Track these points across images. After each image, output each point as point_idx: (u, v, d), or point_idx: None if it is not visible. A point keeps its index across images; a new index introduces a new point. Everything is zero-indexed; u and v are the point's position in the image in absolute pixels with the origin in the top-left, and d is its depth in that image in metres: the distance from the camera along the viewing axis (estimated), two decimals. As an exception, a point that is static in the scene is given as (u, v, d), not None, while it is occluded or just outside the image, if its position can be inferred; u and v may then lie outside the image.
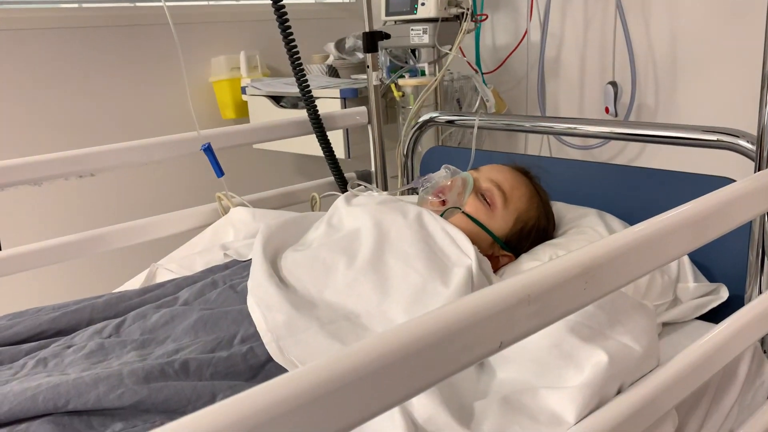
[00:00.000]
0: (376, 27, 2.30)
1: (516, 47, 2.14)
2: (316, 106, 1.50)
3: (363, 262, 0.98)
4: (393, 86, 2.02)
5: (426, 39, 1.93)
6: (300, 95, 2.03)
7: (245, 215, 1.32)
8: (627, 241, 0.60)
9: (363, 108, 1.66)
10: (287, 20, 1.43)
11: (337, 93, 1.98)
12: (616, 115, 1.98)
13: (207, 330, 0.92)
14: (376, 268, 0.97)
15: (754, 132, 1.17)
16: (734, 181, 1.16)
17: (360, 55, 2.27)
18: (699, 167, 1.30)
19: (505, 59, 2.18)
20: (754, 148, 1.13)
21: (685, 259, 1.15)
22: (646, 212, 1.25)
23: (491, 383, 0.78)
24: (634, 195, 1.27)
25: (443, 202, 1.13)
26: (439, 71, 2.01)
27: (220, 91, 2.29)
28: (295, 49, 1.44)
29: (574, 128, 1.35)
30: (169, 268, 1.24)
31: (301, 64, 1.45)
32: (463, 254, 0.99)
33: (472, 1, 1.94)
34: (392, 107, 2.07)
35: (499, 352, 0.49)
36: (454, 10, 1.93)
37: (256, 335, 0.89)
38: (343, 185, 1.58)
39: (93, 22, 2.00)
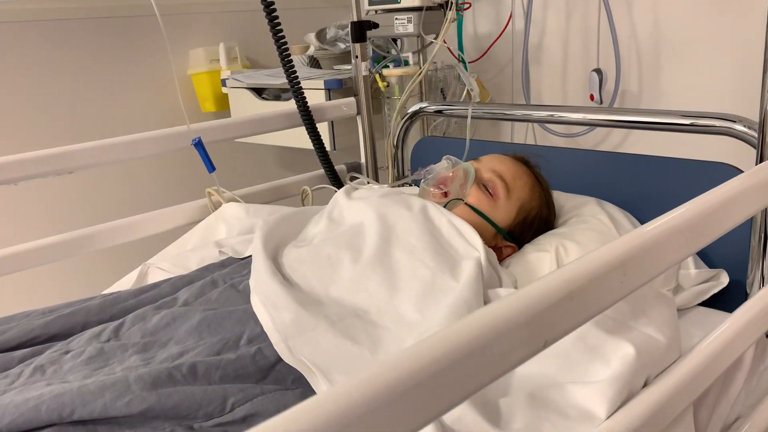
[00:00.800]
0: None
1: (500, 35, 2.13)
2: (305, 98, 1.47)
3: (369, 256, 0.96)
4: (377, 77, 2.00)
5: (411, 28, 1.91)
6: (284, 87, 2.02)
7: (239, 211, 1.29)
8: (663, 230, 0.59)
9: (351, 99, 1.63)
10: (274, 9, 1.39)
11: (321, 84, 1.95)
12: (601, 102, 1.98)
13: (211, 331, 0.89)
14: (383, 262, 0.95)
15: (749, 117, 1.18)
16: (734, 167, 1.17)
17: (342, 45, 2.24)
18: (685, 152, 1.30)
19: (489, 47, 2.17)
20: (752, 132, 1.13)
21: (686, 245, 1.15)
22: (645, 199, 1.25)
23: (512, 379, 0.76)
24: (631, 182, 1.26)
25: (445, 194, 1.11)
26: (423, 61, 2.00)
27: (199, 84, 2.24)
28: (282, 40, 1.41)
29: (569, 117, 1.34)
30: (161, 267, 1.20)
31: (289, 55, 1.42)
32: (471, 247, 0.97)
33: (457, -11, 1.91)
34: (377, 98, 2.05)
35: (542, 351, 0.47)
36: (438, -1, 1.91)
37: (262, 335, 0.87)
38: (333, 178, 1.55)
39: (66, 15, 1.93)
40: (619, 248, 0.54)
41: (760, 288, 1.06)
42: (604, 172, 1.29)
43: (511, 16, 2.10)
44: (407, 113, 1.60)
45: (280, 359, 0.83)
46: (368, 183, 1.33)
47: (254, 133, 1.44)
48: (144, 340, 0.90)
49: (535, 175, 1.16)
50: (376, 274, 0.93)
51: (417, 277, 0.92)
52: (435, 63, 2.16)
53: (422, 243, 0.96)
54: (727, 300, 1.15)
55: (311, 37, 2.32)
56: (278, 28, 1.40)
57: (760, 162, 1.03)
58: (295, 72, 1.44)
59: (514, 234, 1.11)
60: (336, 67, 2.25)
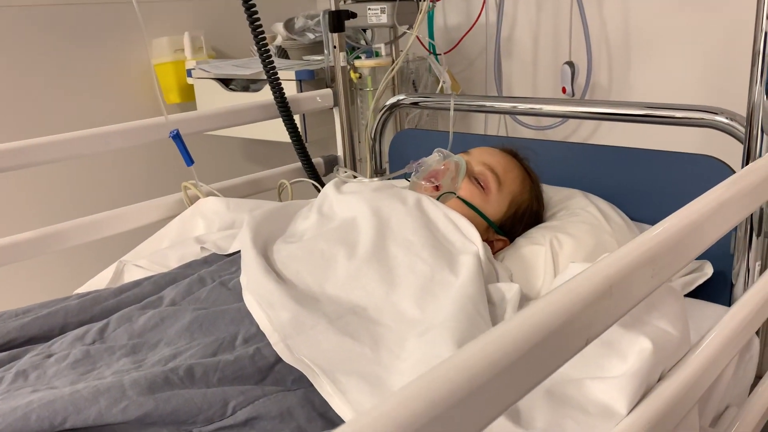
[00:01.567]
0: (325, 2, 2.23)
1: (472, 26, 2.12)
2: (282, 89, 1.44)
3: (364, 252, 0.93)
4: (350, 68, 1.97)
5: (384, 19, 1.88)
6: (253, 78, 1.98)
7: (218, 205, 1.25)
8: (689, 222, 0.58)
9: (328, 90, 1.60)
10: (251, -2, 1.35)
11: (292, 75, 1.91)
12: (573, 95, 1.99)
13: (203, 331, 0.85)
14: (379, 258, 0.93)
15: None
16: (718, 159, 1.18)
17: (311, 36, 2.20)
18: (656, 143, 1.31)
19: (461, 39, 2.16)
20: (734, 124, 1.14)
21: (671, 237, 1.16)
22: (630, 191, 1.26)
23: None
24: (616, 175, 1.27)
25: (437, 188, 1.10)
26: (395, 52, 1.97)
27: (163, 75, 2.17)
28: (260, 29, 1.37)
29: (554, 109, 1.34)
30: (139, 265, 1.16)
31: (266, 45, 1.38)
32: (468, 241, 0.96)
33: (429, -20, 1.89)
34: (349, 89, 2.02)
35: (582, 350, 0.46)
36: (412, -11, 1.89)
37: (258, 335, 0.84)
38: (311, 171, 1.52)
39: (20, 1, 1.84)
40: (651, 242, 0.53)
41: (746, 279, 1.08)
42: (589, 164, 1.30)
43: (483, 7, 2.09)
44: (385, 106, 1.58)
45: (279, 359, 0.80)
46: (356, 177, 1.30)
47: (231, 125, 1.40)
48: (132, 341, 0.86)
49: (525, 168, 1.16)
50: (373, 270, 0.91)
51: (415, 273, 0.90)
52: (406, 54, 2.15)
53: (419, 238, 0.94)
54: (710, 291, 1.16)
55: (279, 27, 2.27)
56: (255, 17, 1.35)
57: (747, 154, 1.04)
58: (272, 63, 1.40)
59: (505, 227, 1.11)
60: (305, 57, 2.21)
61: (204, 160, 2.04)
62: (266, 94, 1.95)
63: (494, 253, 1.10)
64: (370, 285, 0.90)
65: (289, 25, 2.23)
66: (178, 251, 1.16)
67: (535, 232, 1.09)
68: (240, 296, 0.91)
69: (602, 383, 0.67)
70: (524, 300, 0.91)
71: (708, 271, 1.14)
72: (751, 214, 1.08)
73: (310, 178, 1.53)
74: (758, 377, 1.09)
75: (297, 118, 1.87)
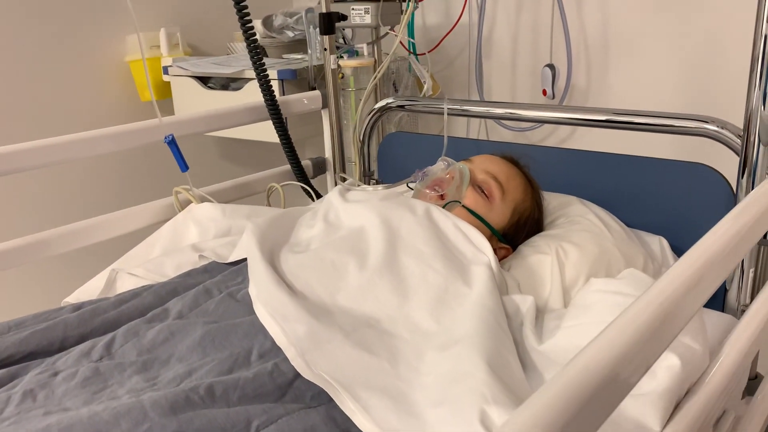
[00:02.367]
0: (308, 5, 2.21)
1: (453, 27, 2.12)
2: (273, 91, 1.41)
3: (376, 262, 0.93)
4: (332, 68, 1.95)
5: (368, 19, 1.86)
6: (234, 76, 1.94)
7: (213, 212, 1.22)
8: (723, 242, 0.59)
9: (317, 92, 1.58)
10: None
11: (274, 74, 1.88)
12: (554, 98, 2.01)
13: (216, 346, 0.84)
14: (391, 268, 0.92)
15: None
16: (711, 168, 1.20)
17: (290, 34, 2.17)
18: (635, 147, 1.33)
19: (442, 39, 2.16)
20: (726, 132, 1.16)
21: (665, 242, 1.18)
22: (622, 198, 1.27)
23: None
24: (608, 181, 1.28)
25: (442, 196, 1.09)
26: (377, 52, 1.96)
27: (137, 72, 2.11)
28: (251, 30, 1.34)
29: (546, 116, 1.34)
30: (134, 273, 1.13)
31: (257, 44, 1.36)
32: (479, 251, 0.96)
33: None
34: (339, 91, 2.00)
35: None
36: (395, -10, 1.88)
37: (274, 349, 0.82)
38: (300, 175, 1.51)
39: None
40: (694, 266, 0.54)
41: (740, 284, 1.10)
42: (581, 170, 1.31)
43: (464, 7, 2.09)
44: (374, 109, 1.57)
45: (297, 375, 0.79)
46: (359, 185, 1.29)
47: (225, 127, 1.37)
48: (141, 357, 0.84)
49: (526, 176, 1.16)
50: (385, 281, 0.90)
51: (428, 284, 0.90)
52: (387, 55, 2.14)
53: (430, 248, 0.94)
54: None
55: (257, 24, 2.23)
56: (245, 11, 1.32)
57: (744, 162, 1.07)
58: (263, 63, 1.38)
59: (507, 236, 1.11)
60: (285, 56, 2.18)
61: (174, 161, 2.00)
62: (248, 94, 1.93)
63: (499, 261, 1.10)
64: (383, 296, 0.89)
65: (267, 22, 2.19)
66: (174, 259, 1.13)
67: (539, 241, 1.09)
68: (250, 308, 0.89)
69: (633, 400, 0.67)
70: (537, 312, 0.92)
71: None
72: (745, 222, 1.11)
73: (299, 181, 1.51)
74: (750, 379, 1.12)
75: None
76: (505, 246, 1.11)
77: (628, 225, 1.23)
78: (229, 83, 2.04)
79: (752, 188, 1.06)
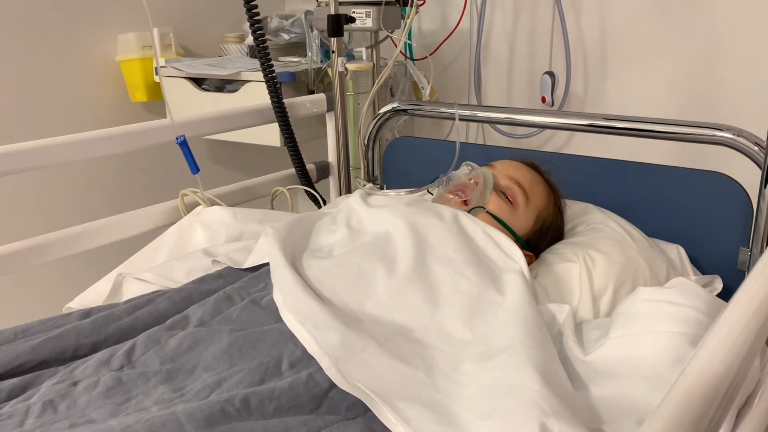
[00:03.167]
0: (294, 2, 2.18)
1: (451, 33, 2.11)
2: (281, 93, 1.38)
3: (405, 269, 0.90)
4: (330, 71, 1.93)
5: (369, 23, 1.85)
6: (229, 78, 1.90)
7: (225, 215, 1.19)
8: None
9: (322, 95, 1.55)
10: (252, -2, 1.29)
11: (273, 77, 1.84)
12: (552, 105, 2.01)
13: (244, 355, 0.80)
14: (421, 276, 0.89)
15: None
16: (728, 176, 1.20)
17: (286, 36, 2.14)
18: (631, 153, 1.33)
19: (440, 45, 2.14)
20: (742, 140, 1.16)
21: (683, 251, 1.18)
22: (636, 206, 1.26)
23: (586, 400, 0.74)
24: (623, 189, 1.28)
25: (465, 202, 1.07)
26: (376, 56, 1.94)
27: (128, 72, 2.07)
28: (260, 31, 1.31)
29: (558, 122, 1.33)
30: (143, 278, 1.09)
31: (267, 47, 1.33)
32: (509, 258, 0.94)
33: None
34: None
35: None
36: (397, -6, 1.86)
37: (305, 358, 0.79)
38: (305, 178, 1.47)
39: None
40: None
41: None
42: (595, 177, 1.30)
43: (463, 14, 2.08)
44: (380, 113, 1.54)
45: (332, 385, 0.76)
46: (380, 188, 1.26)
47: (233, 129, 1.33)
48: (165, 366, 0.80)
49: (549, 183, 1.15)
50: (415, 288, 0.88)
51: (460, 292, 0.87)
52: (384, 59, 2.12)
53: (461, 255, 0.92)
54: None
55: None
56: (256, 18, 1.30)
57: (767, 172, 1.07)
58: (272, 66, 1.35)
59: (530, 242, 1.09)
60: (280, 58, 2.15)
61: (178, 163, 1.96)
62: (245, 96, 1.90)
63: (525, 268, 1.08)
64: (413, 304, 0.87)
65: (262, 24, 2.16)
66: (185, 264, 1.09)
67: (565, 249, 1.08)
68: (276, 315, 0.86)
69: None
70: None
71: (718, 285, 1.16)
72: (765, 232, 1.11)
73: (303, 184, 1.48)
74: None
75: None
76: (528, 253, 1.09)
77: (646, 233, 1.22)
78: (224, 85, 2.00)
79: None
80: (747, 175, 1.19)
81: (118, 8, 2.02)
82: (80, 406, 0.74)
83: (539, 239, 1.11)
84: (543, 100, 2.02)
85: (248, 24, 2.07)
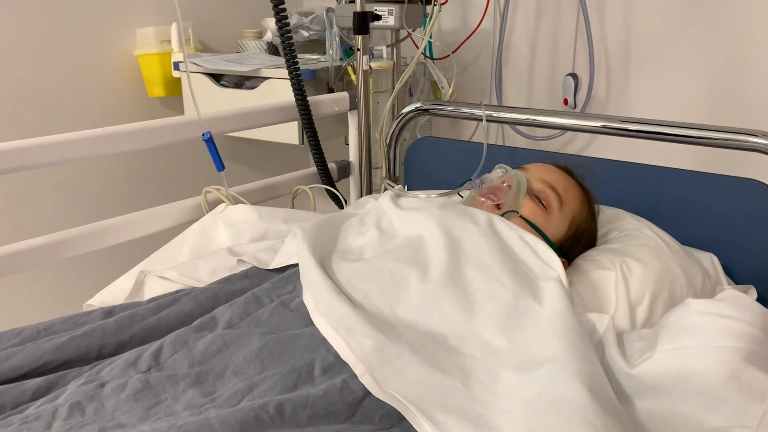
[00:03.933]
0: (328, 4, 2.15)
1: (473, 32, 2.09)
2: (305, 91, 1.36)
3: (439, 274, 0.88)
4: (350, 69, 1.91)
5: (391, 21, 1.83)
6: (249, 75, 1.88)
7: (250, 214, 1.17)
8: None
9: (345, 94, 1.53)
10: (279, -6, 1.27)
11: (291, 74, 1.82)
12: (575, 107, 1.99)
13: (275, 359, 0.78)
14: (456, 281, 0.87)
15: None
16: (762, 183, 1.17)
17: (305, 34, 2.12)
18: (653, 157, 1.31)
19: (462, 44, 2.12)
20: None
21: (716, 260, 1.15)
22: (667, 212, 1.24)
23: (631, 415, 0.71)
24: (654, 194, 1.25)
25: (498, 206, 1.05)
26: (396, 55, 1.92)
27: (147, 66, 2.05)
28: (287, 27, 1.29)
29: (585, 125, 1.30)
30: (166, 277, 1.07)
31: (293, 44, 1.30)
32: (547, 266, 0.91)
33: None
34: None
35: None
36: (419, -8, 1.84)
37: (337, 364, 0.77)
38: (326, 178, 1.45)
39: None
40: None
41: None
42: (625, 182, 1.27)
43: (485, 13, 2.06)
44: (403, 113, 1.52)
45: (367, 393, 0.74)
46: (405, 188, 1.24)
47: (257, 126, 1.31)
48: (194, 369, 0.78)
49: (582, 187, 1.12)
50: (449, 294, 0.85)
51: (496, 299, 0.85)
52: (404, 58, 2.10)
53: (496, 261, 0.89)
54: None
55: (270, 22, 2.18)
56: (283, 14, 1.27)
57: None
58: (297, 64, 1.33)
59: (564, 248, 1.07)
60: (300, 56, 2.13)
61: (199, 161, 1.94)
62: (264, 93, 1.88)
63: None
64: (447, 310, 0.84)
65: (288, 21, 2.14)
66: (210, 263, 1.07)
67: (600, 256, 1.05)
68: (307, 318, 0.84)
69: None
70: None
71: (752, 296, 1.13)
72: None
73: (324, 183, 1.46)
74: None
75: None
76: (561, 259, 1.06)
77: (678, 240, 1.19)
78: (242, 81, 1.98)
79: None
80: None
81: (139, 2, 2.01)
82: (108, 409, 0.72)
83: (573, 245, 1.08)
84: (565, 102, 1.99)
85: (274, 21, 2.08)
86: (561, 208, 1.06)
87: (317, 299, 0.84)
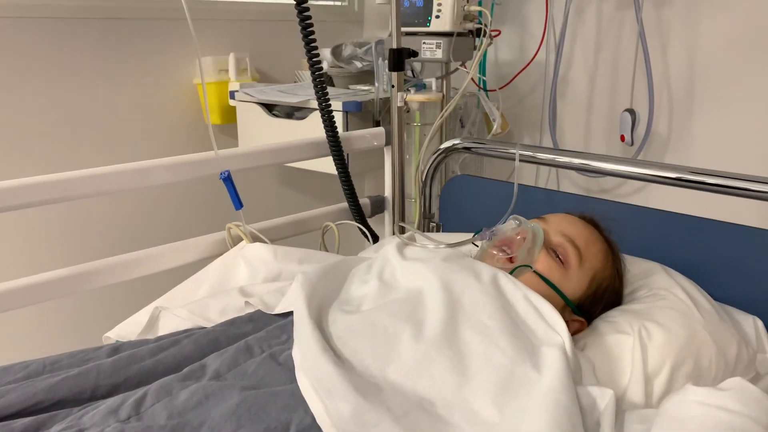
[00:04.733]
0: (372, 30, 2.15)
1: (528, 64, 2.03)
2: (336, 126, 1.35)
3: (433, 333, 0.83)
4: (398, 101, 1.89)
5: (439, 54, 1.80)
6: (298, 106, 1.90)
7: (264, 253, 1.16)
8: None
9: (381, 129, 1.51)
10: (310, 25, 1.26)
11: (339, 105, 1.82)
12: (632, 144, 1.89)
13: (252, 417, 0.76)
14: (451, 343, 0.82)
15: None
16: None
17: (359, 65, 2.12)
18: (712, 209, 1.20)
19: (514, 77, 2.06)
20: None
21: (760, 324, 1.05)
22: (711, 268, 1.14)
23: None
24: (693, 247, 1.16)
25: (511, 259, 0.99)
26: (446, 87, 1.89)
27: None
28: (317, 62, 1.28)
29: (623, 170, 1.22)
30: (177, 314, 1.07)
31: (323, 76, 1.29)
32: (551, 330, 0.85)
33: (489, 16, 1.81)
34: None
35: None
36: (469, 25, 1.81)
37: (314, 427, 0.74)
38: (358, 214, 1.43)
39: (66, 13, 1.78)
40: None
41: None
42: (667, 233, 1.19)
43: (541, 44, 2.00)
44: (439, 149, 1.48)
45: (339, 460, 0.70)
46: (436, 227, 1.19)
47: (281, 162, 1.31)
48: (171, 422, 0.77)
49: (608, 241, 1.05)
50: (444, 357, 0.81)
51: (492, 366, 0.80)
52: (456, 89, 2.06)
53: (496, 323, 0.84)
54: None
55: (326, 52, 2.20)
56: (314, 50, 1.27)
57: None
58: (327, 97, 1.32)
59: (583, 307, 1.00)
60: (351, 86, 2.13)
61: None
62: (313, 124, 1.88)
63: (572, 335, 0.98)
64: (439, 374, 0.80)
65: (336, 51, 2.15)
66: (220, 302, 1.07)
67: (619, 318, 0.97)
68: (292, 374, 0.81)
69: None
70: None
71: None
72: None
73: (356, 221, 1.44)
74: None
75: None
76: (579, 319, 0.99)
77: (717, 299, 1.09)
78: (294, 111, 2.00)
79: None
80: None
81: (200, 33, 2.06)
82: (79, 458, 0.71)
83: (593, 304, 1.01)
84: (622, 138, 1.90)
85: (329, 51, 2.10)
86: (581, 264, 0.99)
87: (304, 354, 0.82)
